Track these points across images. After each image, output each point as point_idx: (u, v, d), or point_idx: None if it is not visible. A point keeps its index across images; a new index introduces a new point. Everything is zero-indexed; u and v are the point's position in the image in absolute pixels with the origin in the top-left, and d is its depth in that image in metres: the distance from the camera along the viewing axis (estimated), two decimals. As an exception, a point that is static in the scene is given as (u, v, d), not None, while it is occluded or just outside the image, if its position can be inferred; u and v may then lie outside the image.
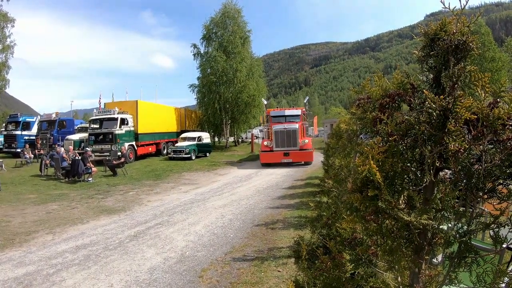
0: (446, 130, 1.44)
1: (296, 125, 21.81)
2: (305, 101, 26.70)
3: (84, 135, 25.05)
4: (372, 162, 1.44)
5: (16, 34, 37.83)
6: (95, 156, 20.16)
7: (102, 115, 23.49)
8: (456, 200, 1.53)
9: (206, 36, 36.11)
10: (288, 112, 25.24)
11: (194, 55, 37.09)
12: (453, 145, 1.41)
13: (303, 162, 21.59)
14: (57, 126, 27.38)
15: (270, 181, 14.79)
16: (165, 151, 28.15)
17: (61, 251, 6.42)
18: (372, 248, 1.75)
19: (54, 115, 28.19)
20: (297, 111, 24.94)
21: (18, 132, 27.86)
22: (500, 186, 1.49)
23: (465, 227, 1.56)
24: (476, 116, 1.43)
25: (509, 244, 1.53)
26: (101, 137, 22.54)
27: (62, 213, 9.44)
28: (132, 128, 23.63)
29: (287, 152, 20.88)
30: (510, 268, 1.49)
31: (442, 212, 1.53)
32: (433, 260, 2.51)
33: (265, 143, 22.55)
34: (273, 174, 16.93)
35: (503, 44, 43.04)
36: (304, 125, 23.76)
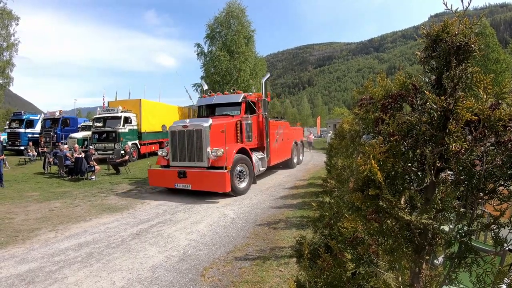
0: (447, 131, 1.45)
1: (206, 122, 11.64)
2: (262, 81, 14.92)
3: (87, 133, 25.13)
4: (373, 161, 1.45)
5: (20, 33, 37.95)
6: (98, 154, 20.21)
7: (105, 113, 23.53)
8: (457, 201, 1.54)
9: (210, 36, 36.10)
10: (219, 99, 14.78)
11: (197, 54, 37.09)
12: (454, 145, 1.42)
13: (222, 192, 11.28)
14: (60, 124, 27.49)
15: (273, 180, 14.77)
16: (168, 150, 28.11)
17: (63, 249, 6.44)
18: (373, 247, 1.76)
19: (57, 113, 28.31)
20: (236, 97, 14.10)
21: (22, 130, 28.08)
22: (501, 187, 1.50)
23: (466, 227, 1.57)
24: (477, 117, 1.43)
25: (509, 245, 1.54)
26: (104, 135, 22.58)
27: (65, 210, 9.47)
28: (136, 127, 23.64)
29: (183, 171, 11.25)
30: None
31: (443, 213, 1.54)
32: (434, 261, 2.52)
33: (160, 152, 13.07)
34: (275, 174, 16.87)
35: (507, 46, 42.74)
36: (245, 121, 13.21)
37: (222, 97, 14.88)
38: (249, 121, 13.40)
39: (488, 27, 36.70)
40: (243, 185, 11.89)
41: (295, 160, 19.81)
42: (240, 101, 13.82)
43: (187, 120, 12.49)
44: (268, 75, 16.81)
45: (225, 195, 11.35)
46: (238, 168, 11.68)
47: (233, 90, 15.05)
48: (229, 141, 11.80)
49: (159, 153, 13.01)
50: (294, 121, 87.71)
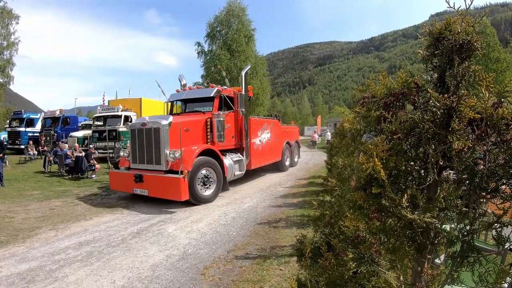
0: (450, 129, 1.45)
1: (165, 119, 10.14)
2: (242, 73, 13.12)
3: (87, 132, 25.12)
4: (376, 159, 1.44)
5: (21, 32, 38.13)
6: (99, 153, 20.20)
7: (106, 112, 23.52)
8: (459, 200, 1.54)
9: (210, 34, 36.06)
10: (190, 93, 12.96)
11: (198, 53, 37.05)
12: (457, 144, 1.42)
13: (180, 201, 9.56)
14: (61, 123, 27.48)
15: (273, 179, 14.75)
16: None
17: (64, 247, 6.44)
18: (375, 246, 1.75)
19: (58, 112, 28.30)
20: (208, 91, 12.32)
21: (22, 129, 28.13)
22: (504, 186, 1.49)
23: (468, 226, 1.57)
24: (480, 116, 1.43)
25: (511, 245, 1.53)
26: (104, 134, 22.55)
27: (65, 209, 9.47)
28: (136, 126, 23.54)
29: (139, 175, 10.06)
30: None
31: (445, 211, 1.54)
32: (435, 260, 2.52)
33: (122, 153, 11.84)
34: (275, 173, 16.79)
35: (508, 45, 42.70)
36: (216, 118, 11.41)
37: (193, 92, 13.08)
38: (221, 119, 11.53)
39: (489, 26, 36.71)
40: (208, 192, 10.40)
41: (287, 163, 18.06)
42: (212, 95, 12.05)
43: (147, 117, 11.25)
44: (249, 66, 14.59)
45: (227, 193, 11.34)
46: (203, 172, 10.25)
47: (207, 83, 13.30)
48: (195, 141, 10.78)
49: (121, 153, 11.89)
50: (295, 120, 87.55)
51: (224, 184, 11.17)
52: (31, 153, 22.54)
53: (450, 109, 1.44)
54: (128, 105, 24.17)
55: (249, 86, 13.84)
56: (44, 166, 17.83)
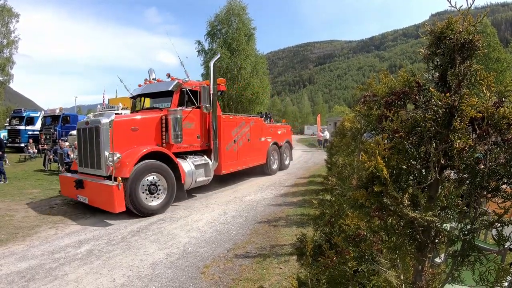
0: (451, 128, 1.45)
1: (106, 118, 8.76)
2: (210, 64, 11.33)
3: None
4: (379, 157, 1.45)
5: (21, 30, 38.12)
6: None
7: (106, 111, 23.42)
8: (460, 199, 1.54)
9: (210, 33, 36.01)
10: (148, 88, 11.41)
11: (198, 51, 36.99)
12: (458, 143, 1.42)
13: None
14: (61, 122, 27.40)
15: (273, 178, 14.72)
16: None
17: (64, 246, 6.44)
18: (376, 244, 1.75)
19: (58, 111, 28.19)
20: (166, 85, 10.68)
21: (22, 127, 28.05)
22: (504, 185, 1.50)
23: (469, 225, 1.57)
24: (481, 115, 1.43)
25: (511, 244, 1.54)
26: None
27: (65, 208, 9.46)
28: (136, 124, 23.45)
29: (79, 180, 8.84)
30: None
31: (446, 210, 1.54)
32: (435, 259, 2.52)
33: (73, 154, 11.15)
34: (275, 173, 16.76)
35: (508, 45, 42.66)
36: (172, 115, 9.67)
37: (150, 86, 11.37)
38: (178, 116, 9.75)
39: (489, 26, 36.59)
40: (156, 202, 8.92)
41: (274, 166, 16.15)
42: (171, 89, 10.37)
43: (91, 115, 10.16)
44: (218, 56, 12.98)
45: (226, 192, 11.35)
46: (149, 178, 8.81)
47: (168, 76, 11.26)
48: (146, 142, 9.33)
49: (71, 155, 10.32)
50: (295, 119, 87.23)
51: (180, 193, 9.84)
52: (31, 151, 22.53)
53: (451, 108, 1.44)
54: (128, 103, 24.09)
55: (220, 79, 12.43)
56: (44, 165, 17.84)
